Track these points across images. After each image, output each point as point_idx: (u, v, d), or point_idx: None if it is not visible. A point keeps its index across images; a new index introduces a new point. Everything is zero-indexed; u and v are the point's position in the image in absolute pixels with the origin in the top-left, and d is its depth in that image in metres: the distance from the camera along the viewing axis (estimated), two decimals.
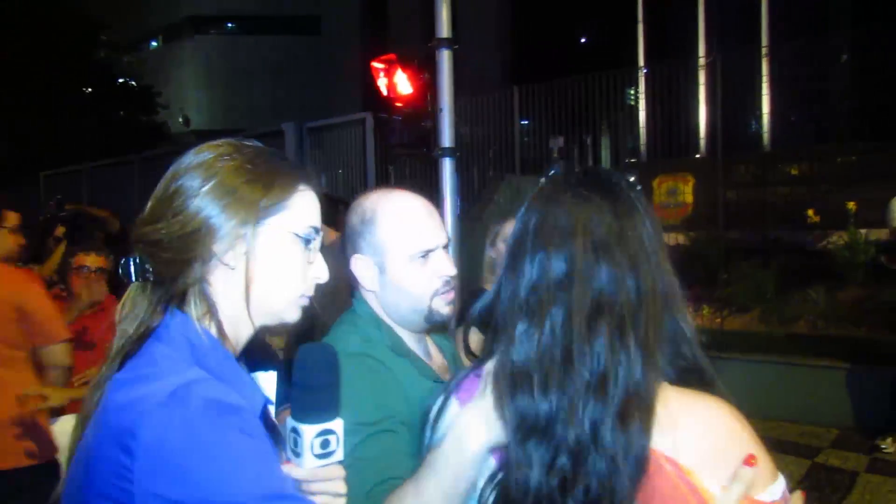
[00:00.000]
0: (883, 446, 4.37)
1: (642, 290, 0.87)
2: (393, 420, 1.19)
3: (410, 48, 4.44)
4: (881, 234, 5.64)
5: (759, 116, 8.87)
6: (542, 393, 0.84)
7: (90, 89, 16.99)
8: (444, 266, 1.34)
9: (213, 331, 0.90)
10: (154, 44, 28.77)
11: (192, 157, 0.92)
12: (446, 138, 4.18)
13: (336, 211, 4.65)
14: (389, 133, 4.35)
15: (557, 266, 0.88)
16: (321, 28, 24.29)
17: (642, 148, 10.19)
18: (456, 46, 4.33)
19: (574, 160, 10.79)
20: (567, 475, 0.82)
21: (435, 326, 1.39)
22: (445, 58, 4.26)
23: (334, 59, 21.29)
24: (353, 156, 6.03)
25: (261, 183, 0.91)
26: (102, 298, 3.10)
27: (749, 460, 0.80)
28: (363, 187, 5.89)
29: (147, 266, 0.89)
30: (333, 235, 4.50)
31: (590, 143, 10.80)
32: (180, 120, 22.45)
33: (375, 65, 4.29)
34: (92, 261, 3.00)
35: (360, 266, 1.37)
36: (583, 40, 19.20)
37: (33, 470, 2.40)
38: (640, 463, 0.81)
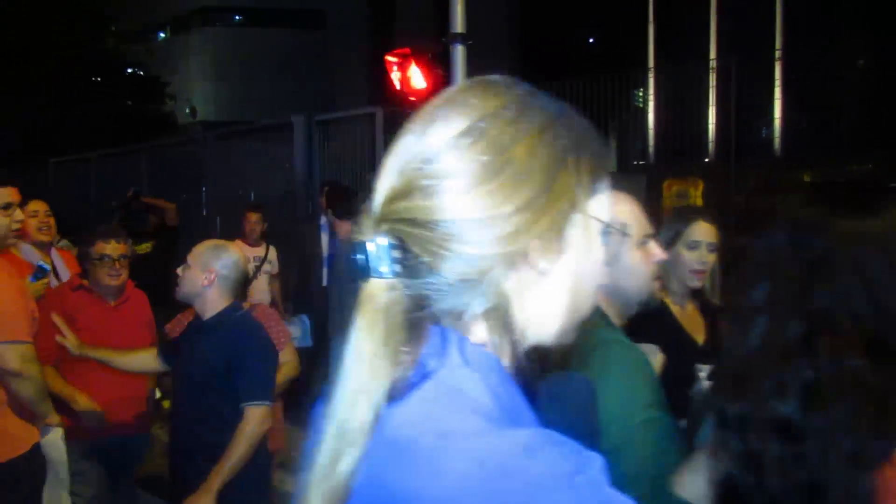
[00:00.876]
0: None
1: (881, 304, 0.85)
2: (661, 403, 1.24)
3: (417, 43, 4.38)
4: None
5: (771, 121, 8.80)
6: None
7: (99, 79, 16.99)
8: (658, 251, 1.43)
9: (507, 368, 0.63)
10: (162, 35, 28.75)
11: (487, 98, 0.62)
12: None
13: (354, 203, 4.59)
14: (403, 126, 4.32)
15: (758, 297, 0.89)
16: (327, 21, 24.30)
17: (650, 150, 10.12)
18: (470, 42, 4.28)
19: None
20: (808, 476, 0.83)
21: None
22: (459, 53, 4.21)
23: (340, 53, 21.28)
24: (363, 150, 5.98)
25: (590, 152, 0.65)
26: (125, 288, 2.94)
27: None
28: (372, 181, 5.82)
29: (408, 257, 0.60)
30: (350, 230, 4.44)
31: None
32: (187, 111, 22.45)
33: (389, 58, 4.25)
34: (112, 248, 2.80)
35: None
36: (591, 40, 19.15)
37: None
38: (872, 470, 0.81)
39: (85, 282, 2.85)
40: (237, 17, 27.58)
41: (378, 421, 0.58)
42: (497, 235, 0.59)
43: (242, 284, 2.46)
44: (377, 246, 0.60)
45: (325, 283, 4.74)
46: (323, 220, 4.93)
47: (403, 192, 0.62)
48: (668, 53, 11.40)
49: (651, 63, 11.46)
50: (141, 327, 2.99)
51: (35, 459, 2.38)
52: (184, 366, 2.34)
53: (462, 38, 4.18)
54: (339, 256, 4.40)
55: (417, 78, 4.20)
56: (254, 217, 5.21)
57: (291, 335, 3.36)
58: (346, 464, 0.58)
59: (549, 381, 0.70)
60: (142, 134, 12.50)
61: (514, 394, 0.61)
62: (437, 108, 0.64)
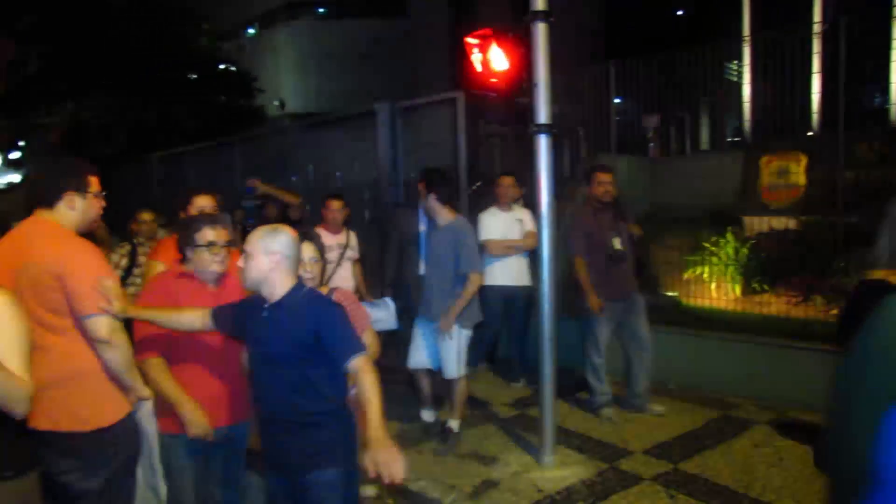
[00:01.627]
0: None
1: None
2: None
3: (498, 23, 4.28)
4: None
5: (887, 87, 8.06)
6: None
7: (195, 76, 17.89)
8: None
9: None
10: (251, 31, 29.94)
11: None
12: (542, 115, 4.03)
13: (451, 190, 4.54)
14: (484, 110, 4.26)
15: None
16: (408, 9, 24.48)
17: (746, 125, 9.54)
18: (552, 19, 4.15)
19: (671, 139, 10.26)
20: None
21: None
22: (541, 31, 4.09)
23: (421, 40, 21.41)
24: (444, 135, 5.97)
25: None
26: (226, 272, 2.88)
27: None
28: (454, 167, 5.82)
29: None
30: (453, 215, 4.44)
31: (688, 121, 10.24)
32: (276, 103, 23.31)
33: (469, 40, 4.19)
34: (219, 234, 2.81)
35: None
36: (680, 12, 18.21)
37: (80, 436, 2.38)
38: None
39: (186, 268, 2.84)
40: (321, 10, 28.33)
41: None
42: None
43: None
44: None
45: (421, 270, 4.70)
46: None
47: None
48: (765, 21, 10.66)
49: (746, 32, 10.77)
50: None
51: (132, 428, 2.57)
52: (265, 345, 2.43)
53: (544, 15, 4.06)
54: (440, 242, 4.32)
55: (499, 59, 4.12)
56: (335, 205, 5.23)
57: (371, 318, 3.36)
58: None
59: None
60: (234, 127, 13.10)
61: None
62: None
